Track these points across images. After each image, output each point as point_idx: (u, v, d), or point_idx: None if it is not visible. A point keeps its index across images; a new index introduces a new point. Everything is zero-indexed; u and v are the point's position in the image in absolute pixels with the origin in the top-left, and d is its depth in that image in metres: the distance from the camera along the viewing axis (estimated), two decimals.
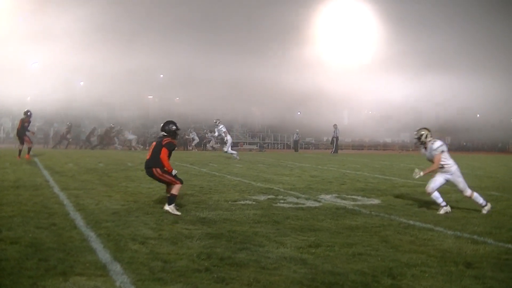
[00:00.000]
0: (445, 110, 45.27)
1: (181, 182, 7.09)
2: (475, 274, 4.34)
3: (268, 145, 41.93)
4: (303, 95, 41.37)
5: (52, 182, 10.21)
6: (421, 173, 7.64)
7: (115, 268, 4.23)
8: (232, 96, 39.62)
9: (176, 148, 7.55)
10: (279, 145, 43.73)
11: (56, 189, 9.04)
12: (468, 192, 7.65)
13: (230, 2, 38.55)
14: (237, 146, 35.38)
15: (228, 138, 20.41)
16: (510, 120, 48.37)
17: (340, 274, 4.24)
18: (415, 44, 41.90)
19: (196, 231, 5.75)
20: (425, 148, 7.84)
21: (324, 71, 40.29)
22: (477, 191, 7.85)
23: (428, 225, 6.46)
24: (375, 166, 18.44)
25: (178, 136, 8.77)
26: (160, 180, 7.18)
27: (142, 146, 30.95)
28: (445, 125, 44.02)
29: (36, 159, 16.64)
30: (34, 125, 26.43)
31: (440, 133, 39.91)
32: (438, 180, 7.66)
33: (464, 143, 48.93)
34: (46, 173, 12.14)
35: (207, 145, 34.07)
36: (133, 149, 29.52)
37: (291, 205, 7.92)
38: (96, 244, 5.01)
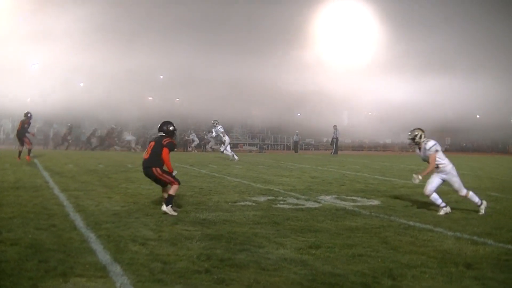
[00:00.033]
0: (445, 110, 45.23)
1: (179, 183, 7.06)
2: (475, 275, 4.34)
3: (268, 146, 41.85)
4: (303, 96, 41.41)
5: (52, 183, 10.21)
6: (420, 177, 7.62)
7: (115, 269, 4.23)
8: (232, 97, 39.59)
9: (176, 148, 7.53)
10: (279, 146, 43.66)
11: (56, 190, 9.04)
12: (463, 192, 7.64)
13: (230, 2, 38.63)
14: (237, 147, 35.38)
15: (226, 138, 20.69)
16: (510, 121, 48.35)
17: (340, 275, 4.24)
18: (415, 45, 41.97)
19: (196, 232, 5.75)
20: (419, 148, 7.85)
21: (324, 72, 40.28)
22: (473, 190, 7.84)
23: (428, 226, 6.46)
24: (375, 167, 18.44)
25: (176, 137, 8.76)
26: (158, 180, 7.11)
27: (141, 147, 30.91)
28: (445, 126, 43.95)
29: (36, 160, 16.63)
30: (34, 126, 26.37)
31: (440, 134, 39.93)
32: (435, 181, 7.65)
33: (464, 144, 48.96)
34: (46, 174, 12.14)
35: (207, 146, 34.06)
36: (132, 150, 29.52)
37: (291, 206, 7.91)
38: (96, 245, 5.01)
